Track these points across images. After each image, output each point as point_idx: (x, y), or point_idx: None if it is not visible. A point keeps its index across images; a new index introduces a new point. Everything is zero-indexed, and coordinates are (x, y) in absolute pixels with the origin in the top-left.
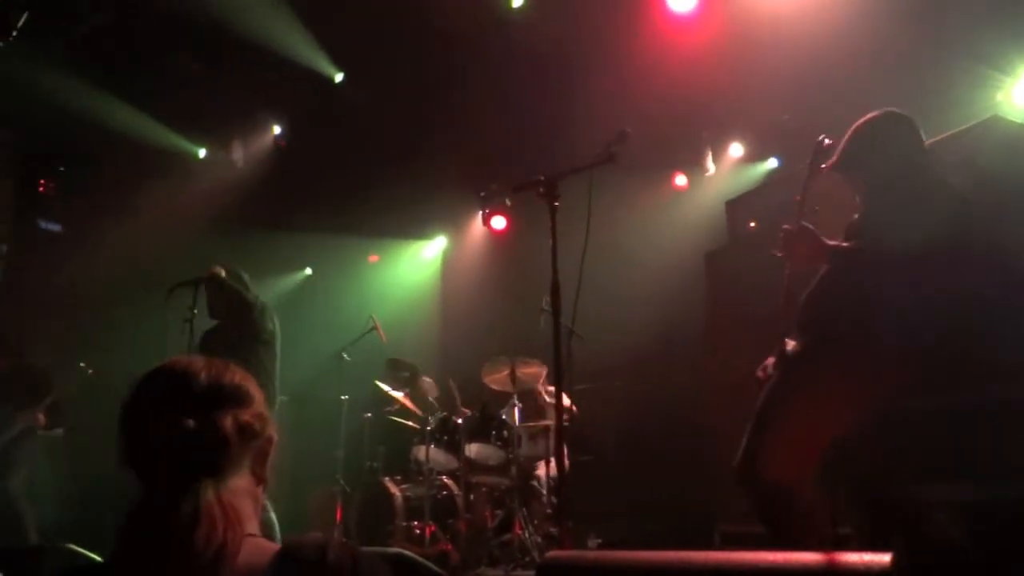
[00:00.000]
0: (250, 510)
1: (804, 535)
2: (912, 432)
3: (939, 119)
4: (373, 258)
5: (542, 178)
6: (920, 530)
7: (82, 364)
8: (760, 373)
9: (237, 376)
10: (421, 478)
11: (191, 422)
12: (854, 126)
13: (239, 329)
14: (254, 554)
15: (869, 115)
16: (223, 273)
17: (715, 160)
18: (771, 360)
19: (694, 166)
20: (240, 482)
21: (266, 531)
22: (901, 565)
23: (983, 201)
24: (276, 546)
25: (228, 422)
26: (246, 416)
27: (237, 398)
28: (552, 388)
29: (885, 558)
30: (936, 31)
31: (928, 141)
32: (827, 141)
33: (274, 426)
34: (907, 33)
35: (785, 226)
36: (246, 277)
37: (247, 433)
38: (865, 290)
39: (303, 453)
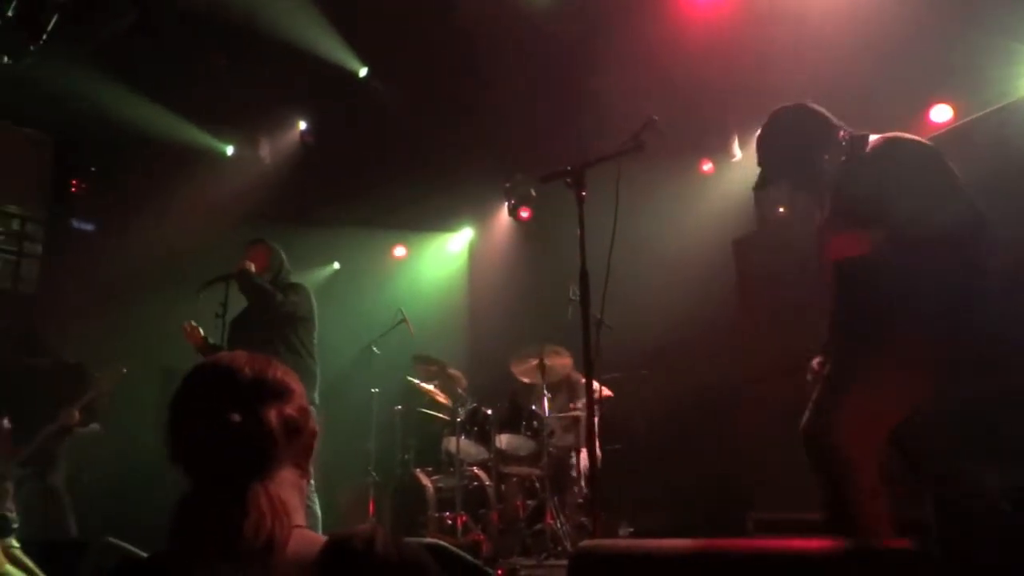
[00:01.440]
0: (296, 502)
1: (865, 518)
2: (964, 416)
3: (970, 98)
4: (400, 251)
5: (569, 168)
6: (969, 513)
7: (120, 365)
8: (815, 364)
9: (279, 371)
10: (452, 469)
11: (237, 416)
12: (764, 139)
13: (271, 313)
14: (302, 545)
15: (770, 122)
16: (252, 267)
17: (742, 146)
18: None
19: (721, 152)
20: (286, 474)
21: (310, 522)
22: (944, 548)
23: (1015, 184)
24: (323, 537)
25: (273, 416)
26: (289, 410)
27: (280, 393)
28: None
29: (920, 546)
30: (966, 7)
31: (959, 123)
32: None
33: (315, 419)
34: (936, 10)
35: (826, 228)
36: (283, 255)
37: (291, 426)
38: (912, 274)
39: (335, 446)
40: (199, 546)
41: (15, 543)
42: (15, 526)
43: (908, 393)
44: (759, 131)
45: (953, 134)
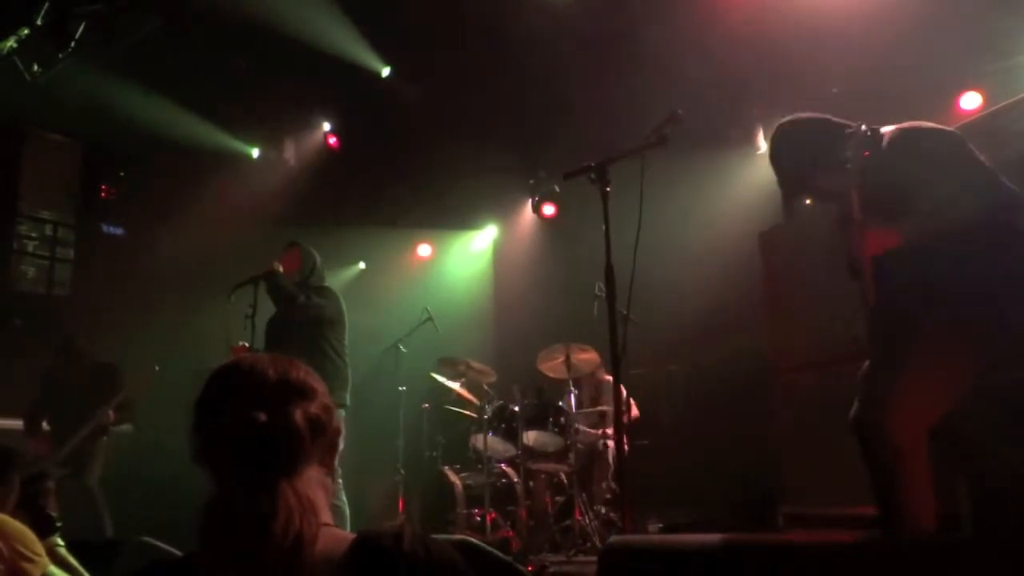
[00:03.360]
0: (323, 500)
1: (913, 509)
2: (1002, 403)
3: (1000, 86)
4: (425, 250)
5: (593, 164)
6: (1007, 502)
7: (153, 364)
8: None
9: (302, 371)
10: (480, 466)
11: (263, 416)
12: (772, 159)
13: (297, 314)
14: (330, 543)
15: (773, 141)
16: (280, 268)
17: (766, 138)
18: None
19: (745, 144)
20: (312, 473)
21: (337, 520)
22: (979, 538)
23: None
24: (351, 535)
25: (299, 415)
26: (314, 408)
27: (303, 392)
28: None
29: (956, 537)
30: None
31: (987, 110)
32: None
33: (340, 417)
34: None
35: (859, 225)
36: (318, 258)
37: (316, 425)
38: (947, 259)
39: (363, 444)
40: (229, 546)
41: (59, 541)
42: (59, 524)
43: (955, 379)
44: (768, 151)
45: (982, 122)
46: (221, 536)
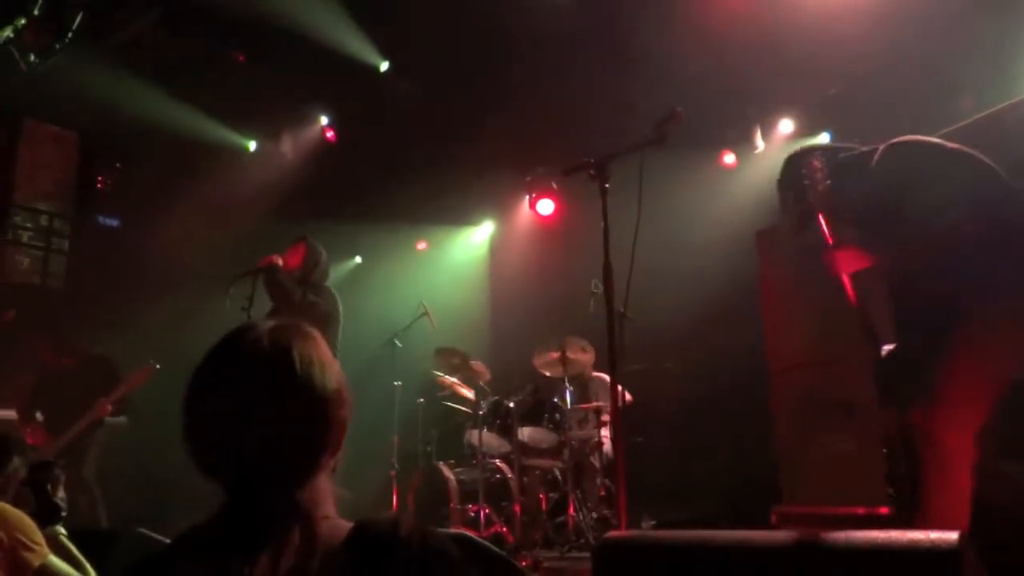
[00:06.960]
0: (328, 491)
1: (942, 507)
2: (1003, 409)
3: (996, 88)
4: (421, 245)
5: (592, 160)
6: (998, 506)
7: (153, 362)
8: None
9: (332, 375)
10: (475, 462)
11: (261, 415)
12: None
13: (294, 313)
14: (329, 532)
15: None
16: (280, 262)
17: (764, 137)
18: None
19: (743, 144)
20: (322, 462)
21: None
22: (975, 542)
23: None
24: (349, 524)
25: (338, 418)
26: (344, 412)
27: (334, 400)
28: (602, 376)
29: (952, 536)
30: None
31: (985, 112)
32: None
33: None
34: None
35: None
36: (323, 256)
37: (342, 428)
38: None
39: (358, 439)
40: (247, 560)
41: (62, 531)
42: (63, 514)
43: (988, 381)
44: None
45: (977, 124)
46: (240, 552)
